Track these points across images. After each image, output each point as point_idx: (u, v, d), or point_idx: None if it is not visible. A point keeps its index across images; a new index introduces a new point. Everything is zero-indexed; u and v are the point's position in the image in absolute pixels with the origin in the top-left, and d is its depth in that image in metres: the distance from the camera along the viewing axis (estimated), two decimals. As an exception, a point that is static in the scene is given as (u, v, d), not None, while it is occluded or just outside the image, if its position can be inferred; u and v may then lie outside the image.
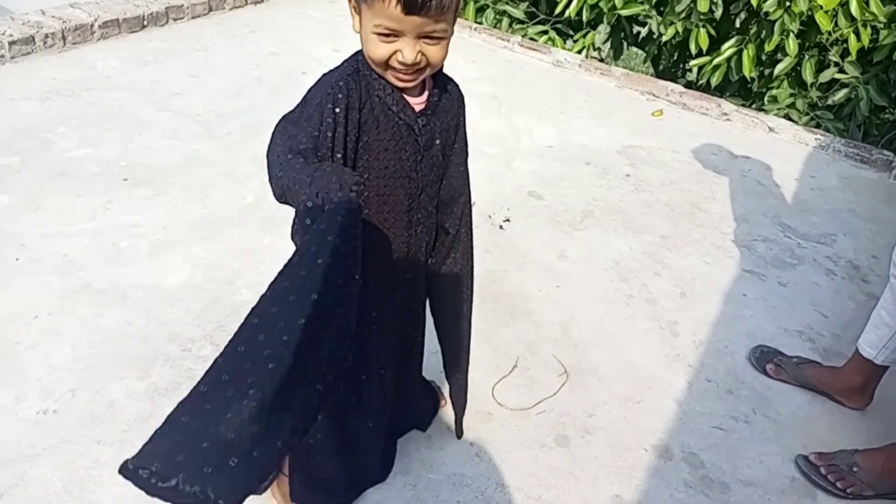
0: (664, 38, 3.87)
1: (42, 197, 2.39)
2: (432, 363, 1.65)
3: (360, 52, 1.13)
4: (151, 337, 1.92)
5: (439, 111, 1.22)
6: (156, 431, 0.86)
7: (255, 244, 2.32)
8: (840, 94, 3.66)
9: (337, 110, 1.08)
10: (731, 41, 3.73)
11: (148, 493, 0.82)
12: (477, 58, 4.07)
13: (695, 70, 3.99)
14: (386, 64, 1.08)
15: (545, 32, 4.35)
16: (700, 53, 3.80)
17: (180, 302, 2.04)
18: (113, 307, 1.99)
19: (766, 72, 3.87)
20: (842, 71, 3.64)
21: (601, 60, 4.35)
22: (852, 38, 3.43)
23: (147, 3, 3.80)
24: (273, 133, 1.11)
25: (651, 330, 2.20)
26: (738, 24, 3.81)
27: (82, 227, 2.28)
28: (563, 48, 4.26)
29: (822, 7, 3.36)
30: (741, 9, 3.73)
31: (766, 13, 3.46)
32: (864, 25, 3.41)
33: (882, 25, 3.43)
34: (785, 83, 3.83)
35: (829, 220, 2.93)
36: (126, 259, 2.18)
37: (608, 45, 4.29)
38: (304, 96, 1.14)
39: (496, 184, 2.86)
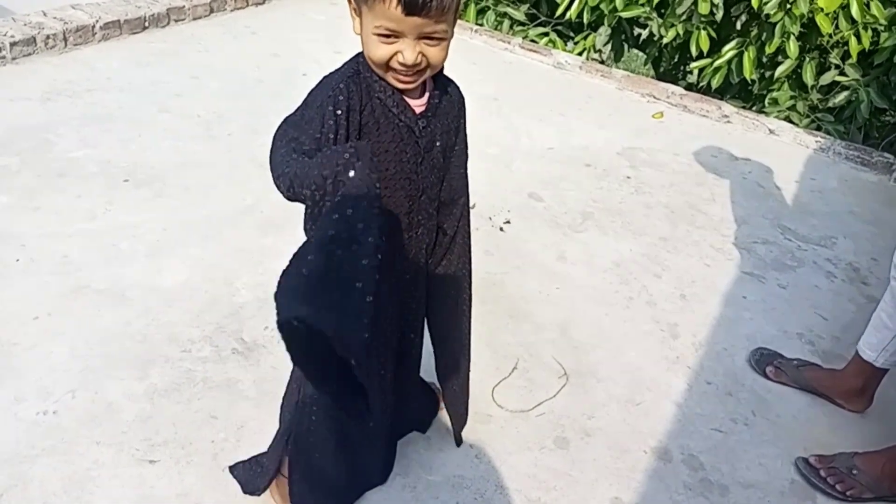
0: (665, 41, 3.87)
1: (42, 197, 2.39)
2: (432, 364, 1.65)
3: (360, 54, 1.13)
4: (150, 338, 1.91)
5: (440, 113, 1.22)
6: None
7: (255, 245, 2.32)
8: (840, 97, 3.66)
9: (338, 112, 1.08)
10: (732, 43, 3.73)
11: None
12: (478, 59, 4.07)
13: (695, 72, 3.99)
14: (386, 65, 1.08)
15: (546, 34, 4.36)
16: (701, 55, 3.81)
17: (179, 303, 2.04)
18: (112, 308, 1.99)
19: (767, 74, 3.87)
20: (842, 73, 3.64)
21: (602, 62, 4.35)
22: (853, 40, 3.43)
23: (148, 4, 3.81)
24: (274, 136, 1.11)
25: (651, 332, 2.20)
26: (738, 27, 3.81)
27: (82, 228, 2.28)
28: (564, 50, 4.26)
29: (822, 9, 3.36)
30: (742, 11, 3.74)
31: (767, 15, 3.46)
32: (865, 28, 3.41)
33: (883, 28, 3.43)
34: (785, 85, 3.83)
35: (829, 222, 2.93)
36: (125, 260, 2.18)
37: (609, 46, 4.29)
38: (305, 99, 1.14)
39: (496, 185, 2.86)
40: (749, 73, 3.67)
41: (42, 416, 1.66)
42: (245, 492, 1.54)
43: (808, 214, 2.97)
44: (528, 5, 4.48)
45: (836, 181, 3.29)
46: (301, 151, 1.05)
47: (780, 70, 3.67)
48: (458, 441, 1.72)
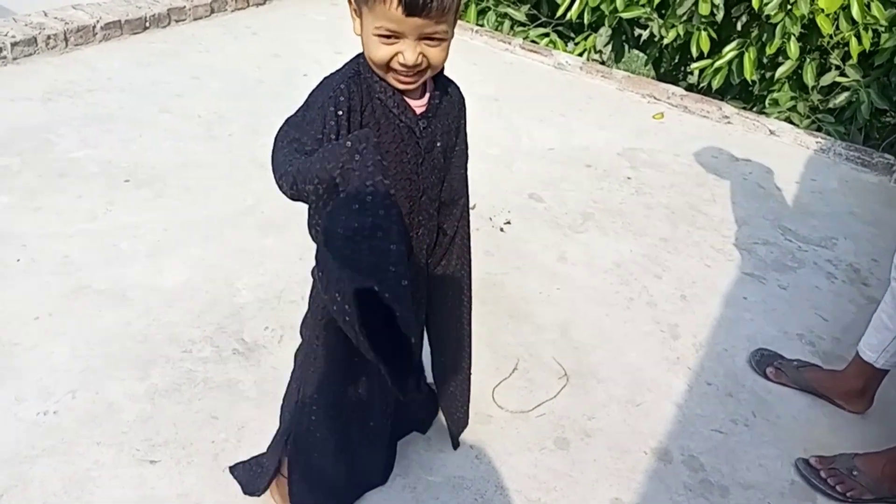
0: (665, 41, 3.87)
1: (42, 197, 2.39)
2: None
3: (360, 55, 1.13)
4: (151, 338, 1.92)
5: (440, 113, 1.22)
6: None
7: (255, 245, 2.32)
8: (841, 98, 3.66)
9: (339, 113, 1.08)
10: (733, 44, 3.73)
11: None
12: (478, 60, 4.07)
13: (696, 73, 3.99)
14: (387, 66, 1.08)
15: (546, 35, 4.36)
16: (701, 56, 3.81)
17: (180, 303, 2.04)
18: (113, 308, 2.00)
19: (768, 75, 3.87)
20: (843, 74, 3.64)
21: (602, 63, 4.35)
22: (853, 41, 3.43)
23: (149, 4, 3.81)
24: (276, 137, 1.11)
25: (651, 333, 2.20)
26: (739, 27, 3.81)
27: (82, 228, 2.28)
28: (565, 50, 4.27)
29: (823, 10, 3.36)
30: (742, 12, 3.74)
31: (768, 16, 3.46)
32: (866, 29, 3.41)
33: (883, 29, 3.43)
34: (786, 86, 3.83)
35: (829, 223, 2.93)
36: (126, 260, 2.18)
37: (609, 47, 4.29)
38: (306, 100, 1.14)
39: (497, 186, 2.86)
40: (749, 73, 3.67)
41: (42, 417, 1.66)
42: (245, 492, 1.54)
43: (809, 215, 2.97)
44: (528, 6, 4.48)
45: (836, 182, 3.29)
46: (303, 152, 1.05)
47: (780, 71, 3.67)
48: (455, 444, 1.72)
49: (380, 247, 0.94)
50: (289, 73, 3.55)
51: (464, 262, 1.42)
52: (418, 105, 1.18)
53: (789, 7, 3.40)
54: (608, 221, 2.74)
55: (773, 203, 3.03)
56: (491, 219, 2.65)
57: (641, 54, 4.63)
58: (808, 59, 3.67)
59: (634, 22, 4.15)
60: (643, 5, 3.83)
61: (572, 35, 4.42)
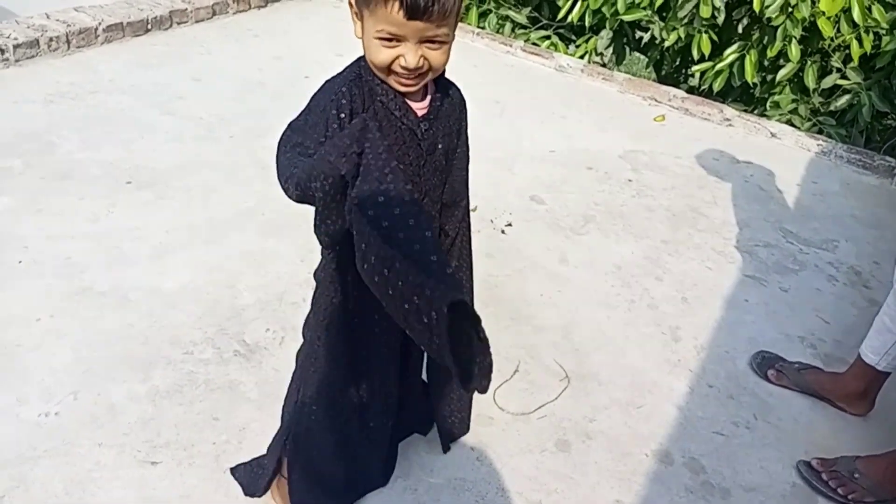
0: (666, 44, 3.87)
1: (44, 199, 2.40)
2: (433, 367, 1.65)
3: (362, 58, 1.13)
4: (153, 340, 1.92)
5: (442, 115, 1.22)
6: None
7: (257, 247, 2.32)
8: (842, 100, 3.66)
9: (342, 115, 1.09)
10: (734, 47, 3.73)
11: None
12: (479, 62, 4.07)
13: (697, 75, 3.99)
14: (388, 69, 1.08)
15: (548, 37, 4.36)
16: (702, 59, 3.81)
17: (182, 305, 2.05)
18: (115, 310, 2.00)
19: (769, 77, 3.87)
20: (844, 77, 3.64)
21: (603, 65, 4.35)
22: (854, 44, 3.43)
23: (151, 6, 3.82)
24: (279, 142, 1.12)
25: (652, 335, 2.20)
26: (740, 30, 3.81)
27: (84, 230, 2.28)
28: (566, 53, 4.27)
29: (824, 13, 3.36)
30: (744, 14, 3.74)
31: (769, 19, 3.46)
32: (867, 31, 3.41)
33: (884, 31, 3.43)
34: (787, 89, 3.83)
35: (830, 225, 2.93)
36: (128, 262, 2.18)
37: (610, 50, 4.29)
38: (308, 103, 1.14)
39: (498, 188, 2.86)
40: (751, 76, 3.67)
41: (44, 418, 1.67)
42: (246, 493, 1.55)
43: (810, 218, 2.97)
44: (529, 8, 4.49)
45: (837, 185, 3.29)
46: (306, 155, 1.05)
47: (781, 73, 3.67)
48: (446, 448, 1.71)
49: (413, 237, 0.93)
50: (290, 74, 3.55)
51: (466, 264, 1.42)
52: (420, 107, 1.18)
53: (790, 10, 3.40)
54: (609, 224, 2.74)
55: (774, 205, 3.03)
56: (492, 221, 2.65)
57: (643, 57, 4.63)
58: (809, 62, 3.67)
59: (635, 24, 4.15)
60: (644, 8, 3.83)
61: (573, 37, 4.42)
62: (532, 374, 1.98)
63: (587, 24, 4.04)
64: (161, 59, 3.53)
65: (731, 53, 3.72)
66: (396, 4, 0.99)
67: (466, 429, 1.74)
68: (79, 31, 3.44)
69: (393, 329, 1.33)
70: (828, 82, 3.67)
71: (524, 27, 4.46)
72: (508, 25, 4.46)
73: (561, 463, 1.74)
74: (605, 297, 2.34)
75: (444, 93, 1.22)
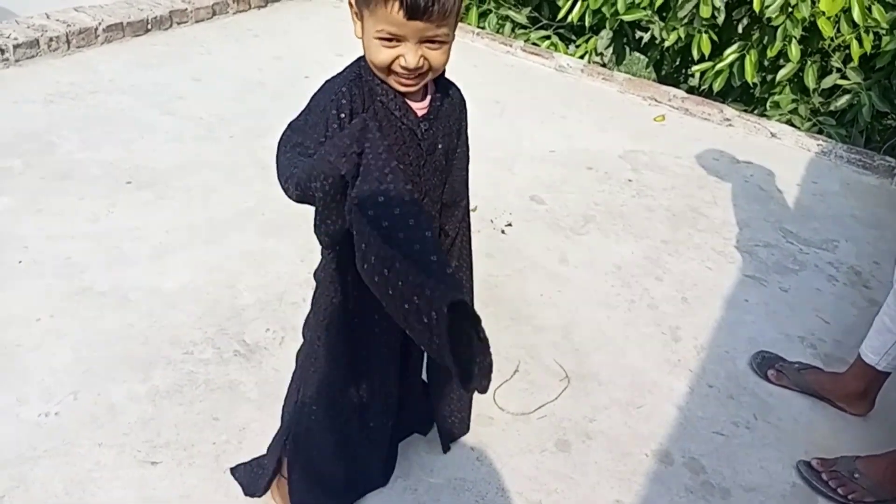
0: (666, 44, 3.87)
1: (45, 199, 2.40)
2: (433, 367, 1.65)
3: (362, 58, 1.13)
4: (153, 340, 1.92)
5: (442, 115, 1.22)
6: None
7: (257, 247, 2.32)
8: (842, 100, 3.66)
9: (342, 116, 1.09)
10: (734, 47, 3.73)
11: None
12: (479, 62, 4.07)
13: (697, 75, 3.99)
14: (388, 69, 1.08)
15: (548, 37, 4.36)
16: (702, 59, 3.81)
17: (182, 305, 2.05)
18: (115, 310, 2.00)
19: (769, 77, 3.87)
20: (844, 77, 3.64)
21: (603, 65, 4.35)
22: (854, 44, 3.43)
23: (151, 6, 3.82)
24: (279, 142, 1.12)
25: (652, 335, 2.20)
26: (740, 30, 3.81)
27: (84, 230, 2.29)
28: (566, 53, 4.27)
29: (824, 13, 3.36)
30: (744, 14, 3.74)
31: (769, 19, 3.46)
32: (867, 31, 3.41)
33: (884, 32, 3.43)
34: (787, 89, 3.83)
35: (830, 225, 2.93)
36: (128, 262, 2.18)
37: (611, 50, 4.29)
38: (308, 103, 1.14)
39: (498, 188, 2.86)
40: (751, 76, 3.67)
41: (44, 418, 1.67)
42: (246, 493, 1.55)
43: (810, 218, 2.97)
44: (529, 8, 4.49)
45: (837, 185, 3.29)
46: (306, 155, 1.06)
47: (781, 73, 3.67)
48: (446, 448, 1.71)
49: (413, 237, 0.93)
50: (290, 74, 3.56)
51: (465, 264, 1.42)
52: (420, 107, 1.18)
53: (790, 10, 3.41)
54: (609, 224, 2.74)
55: (774, 205, 3.03)
56: (492, 221, 2.65)
57: (643, 57, 4.63)
58: (809, 62, 3.67)
59: (635, 24, 4.15)
60: (644, 8, 3.83)
61: (573, 37, 4.42)
62: (532, 374, 1.98)
63: (587, 24, 4.04)
64: (161, 59, 3.53)
65: (731, 53, 3.72)
66: (396, 4, 0.99)
67: (466, 429, 1.74)
68: (79, 31, 3.44)
69: (393, 329, 1.33)
70: (828, 82, 3.67)
71: (524, 27, 4.46)
72: (508, 25, 4.46)
73: (561, 463, 1.74)
74: (605, 297, 2.34)
75: (444, 93, 1.23)
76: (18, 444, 1.60)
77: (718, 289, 2.45)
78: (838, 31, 3.46)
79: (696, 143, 3.48)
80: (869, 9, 3.36)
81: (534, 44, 4.31)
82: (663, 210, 2.88)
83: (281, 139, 1.12)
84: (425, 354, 1.54)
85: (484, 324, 0.92)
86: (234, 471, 1.58)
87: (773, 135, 3.64)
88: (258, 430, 1.69)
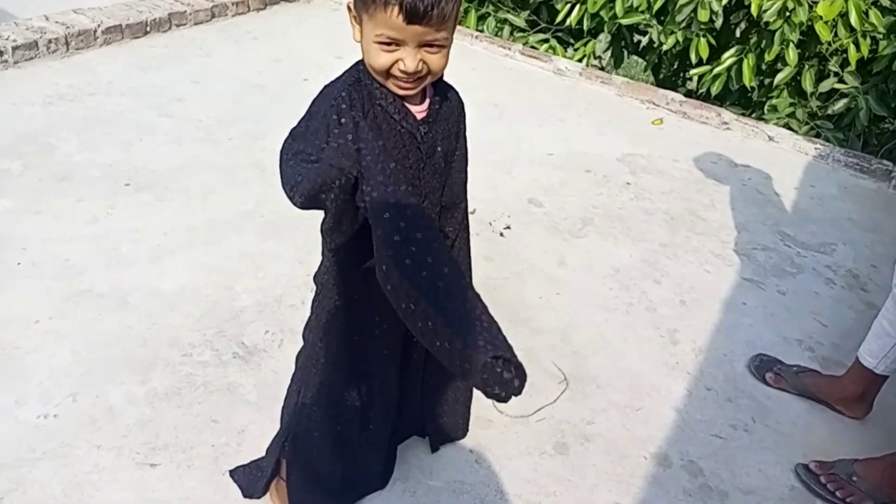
0: (664, 47, 3.88)
1: (43, 201, 2.40)
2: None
3: (360, 62, 1.14)
4: (151, 341, 1.92)
5: (440, 118, 1.23)
6: None
7: (256, 249, 2.32)
8: (840, 104, 3.67)
9: (343, 120, 1.09)
10: (732, 51, 3.74)
11: None
12: (478, 65, 4.08)
13: (695, 79, 4.00)
14: (387, 73, 1.08)
15: (546, 41, 4.37)
16: (700, 62, 3.82)
17: (180, 307, 2.05)
18: (113, 311, 2.00)
19: (766, 81, 3.88)
20: (841, 81, 3.65)
21: (602, 69, 4.36)
22: (852, 48, 3.44)
23: (150, 9, 3.82)
24: (281, 150, 1.13)
25: (650, 338, 2.20)
26: (738, 34, 3.82)
27: (83, 232, 2.28)
28: (564, 56, 4.28)
29: (821, 17, 3.37)
30: (741, 19, 3.75)
31: (767, 23, 3.47)
32: (864, 36, 3.42)
33: (881, 36, 3.45)
34: (785, 93, 3.84)
35: (828, 229, 2.94)
36: (127, 263, 2.18)
37: (609, 53, 4.31)
38: (308, 109, 1.15)
39: (496, 191, 2.87)
40: (748, 80, 3.68)
41: (43, 420, 1.66)
42: (245, 495, 1.55)
43: (808, 221, 2.98)
44: (528, 12, 4.50)
45: (835, 188, 3.30)
46: (308, 162, 1.06)
47: (779, 77, 3.68)
48: (434, 448, 1.71)
49: (429, 249, 1.01)
50: (289, 77, 3.56)
51: (465, 266, 1.43)
52: (419, 111, 1.18)
53: (788, 14, 3.42)
54: (607, 227, 2.75)
55: (771, 209, 3.04)
56: (490, 224, 2.66)
57: (641, 60, 4.64)
58: (806, 66, 3.68)
59: (634, 28, 4.17)
60: (642, 12, 3.84)
61: (572, 41, 4.44)
62: (531, 377, 1.94)
63: (585, 27, 4.05)
64: (160, 61, 3.53)
65: (728, 57, 3.73)
66: (396, 9, 1.00)
67: (462, 433, 1.74)
68: (78, 33, 3.44)
69: (394, 331, 1.34)
70: (825, 86, 3.68)
71: (523, 30, 4.47)
72: (507, 28, 4.47)
73: (559, 465, 1.74)
74: (604, 300, 2.34)
75: (443, 96, 1.23)
76: (17, 445, 1.60)
77: (716, 292, 2.45)
78: (836, 35, 3.47)
79: (694, 147, 3.48)
80: (866, 13, 3.37)
81: (532, 47, 4.32)
82: (661, 213, 2.88)
83: (283, 147, 1.12)
84: (425, 358, 1.55)
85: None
86: (232, 473, 1.58)
87: (770, 138, 3.65)
88: (257, 433, 1.69)
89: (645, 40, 4.16)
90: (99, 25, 3.53)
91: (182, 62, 3.55)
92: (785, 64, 3.61)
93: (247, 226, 2.43)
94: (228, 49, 3.80)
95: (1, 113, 2.88)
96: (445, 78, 1.22)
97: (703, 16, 3.61)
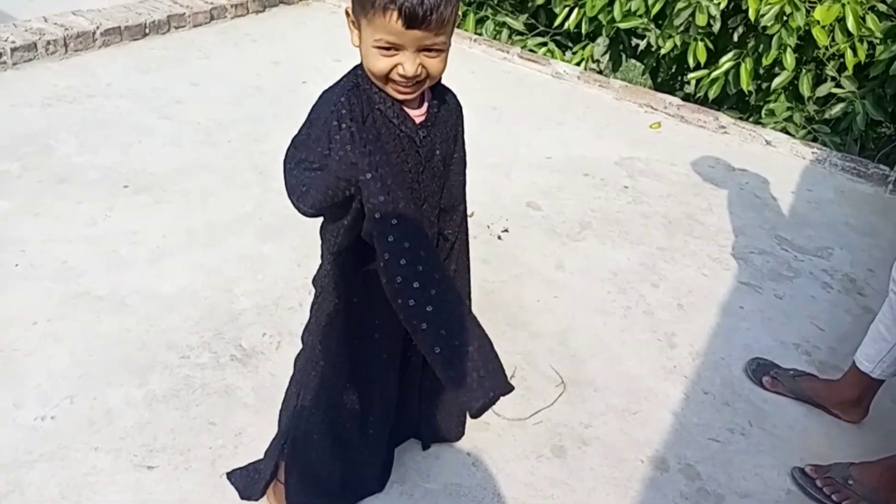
0: (662, 51, 3.90)
1: (42, 203, 2.40)
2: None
3: (358, 67, 1.14)
4: (150, 344, 1.92)
5: (439, 122, 1.23)
6: None
7: (254, 251, 2.33)
8: (837, 109, 3.68)
9: (343, 126, 1.10)
10: (729, 55, 3.75)
11: None
12: (477, 69, 4.09)
13: (693, 83, 4.01)
14: (386, 77, 1.09)
15: (544, 44, 4.38)
16: (698, 66, 3.83)
17: (179, 309, 2.05)
18: (112, 314, 2.00)
19: (764, 85, 3.89)
20: (838, 85, 3.67)
21: (600, 72, 4.37)
22: (849, 53, 3.46)
23: (149, 11, 3.83)
24: (284, 160, 1.14)
25: (648, 341, 2.21)
26: (735, 38, 3.83)
27: (82, 234, 2.29)
28: (563, 60, 4.29)
29: (819, 22, 3.39)
30: (739, 23, 3.76)
31: (764, 27, 3.49)
32: (861, 41, 3.44)
33: (878, 41, 3.46)
34: (782, 97, 3.85)
35: (825, 233, 2.95)
36: (125, 265, 2.18)
37: (607, 57, 4.32)
38: (308, 116, 1.15)
39: (494, 194, 2.87)
40: (746, 84, 3.69)
41: (41, 422, 1.66)
42: (242, 497, 1.55)
43: (805, 225, 2.99)
44: (526, 15, 4.51)
45: (832, 192, 3.31)
46: (311, 170, 1.08)
47: (776, 81, 3.69)
48: (425, 446, 1.72)
49: (430, 262, 1.11)
50: (288, 80, 3.56)
51: (464, 267, 1.43)
52: (417, 115, 1.19)
53: (785, 19, 3.43)
54: (605, 230, 2.75)
55: (769, 213, 3.05)
56: (489, 227, 2.66)
57: (639, 64, 4.65)
58: (803, 71, 3.69)
59: (632, 32, 4.17)
60: (640, 16, 3.85)
61: (570, 44, 4.44)
62: (528, 380, 1.99)
63: (584, 31, 4.06)
64: (159, 63, 3.54)
65: (726, 61, 3.74)
66: (395, 14, 1.00)
67: (457, 436, 1.74)
68: (77, 35, 3.44)
69: (393, 335, 1.34)
70: (822, 91, 3.70)
71: (521, 34, 4.48)
72: (505, 32, 4.48)
73: (557, 469, 1.74)
74: (602, 303, 2.35)
75: (441, 99, 1.24)
76: (15, 448, 1.60)
77: (714, 296, 2.46)
78: (833, 40, 3.49)
79: (692, 151, 3.49)
80: (863, 18, 3.38)
81: (531, 50, 4.33)
82: (659, 217, 2.89)
83: (286, 156, 1.14)
84: (424, 361, 1.55)
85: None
86: (230, 475, 1.59)
87: (768, 142, 3.66)
88: (254, 435, 1.69)
89: (643, 44, 4.17)
90: (98, 27, 3.53)
91: (181, 64, 3.56)
92: (782, 68, 3.62)
93: (245, 228, 2.43)
94: (227, 51, 3.81)
95: (0, 114, 2.88)
96: (444, 81, 1.22)
97: (701, 20, 3.62)
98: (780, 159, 3.56)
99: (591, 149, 3.38)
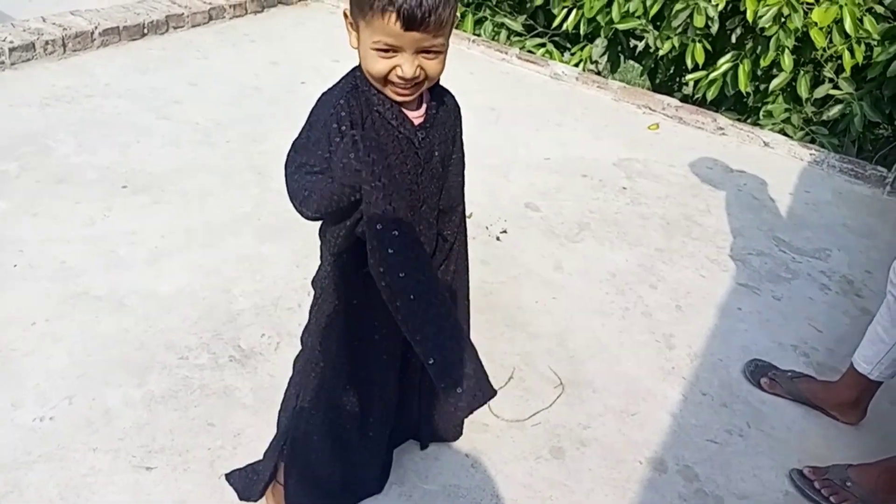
0: (661, 53, 3.90)
1: (41, 203, 2.39)
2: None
3: (357, 68, 1.14)
4: (148, 344, 1.92)
5: (437, 123, 1.23)
6: None
7: (253, 252, 2.33)
8: (834, 110, 3.69)
9: (343, 128, 1.10)
10: (727, 56, 3.76)
11: None
12: (475, 70, 4.09)
13: (691, 84, 4.02)
14: (385, 79, 1.09)
15: (543, 45, 4.38)
16: (696, 68, 3.83)
17: (177, 309, 2.05)
18: (110, 314, 2.00)
19: (762, 87, 3.90)
20: (836, 87, 3.67)
21: (598, 73, 4.38)
22: (846, 54, 3.47)
23: (147, 11, 3.82)
24: (285, 164, 1.14)
25: (646, 342, 2.21)
26: (733, 40, 3.84)
27: (80, 234, 2.28)
28: (561, 61, 4.29)
29: (816, 24, 3.39)
30: (737, 24, 3.77)
31: (762, 29, 3.49)
32: (859, 42, 3.44)
33: (876, 42, 3.47)
34: (780, 98, 3.86)
35: (823, 234, 2.95)
36: (124, 266, 2.18)
37: (605, 58, 4.32)
38: (308, 119, 1.16)
39: (493, 195, 2.87)
40: (744, 85, 3.70)
41: (39, 423, 1.66)
42: (241, 499, 1.55)
43: (803, 227, 2.99)
44: (525, 16, 4.51)
45: (830, 194, 3.31)
46: (312, 174, 1.09)
47: (774, 83, 3.70)
48: (423, 446, 1.72)
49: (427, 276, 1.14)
50: (287, 80, 3.56)
51: (463, 268, 1.44)
52: (416, 116, 1.19)
53: (783, 20, 3.44)
54: (604, 231, 2.76)
55: (767, 214, 3.05)
56: (487, 228, 2.66)
57: (637, 65, 4.66)
58: (801, 72, 3.70)
59: (630, 33, 4.18)
60: (639, 17, 3.85)
61: (568, 45, 4.45)
62: (527, 382, 1.99)
63: (582, 32, 4.06)
64: (157, 63, 3.53)
65: (724, 63, 3.75)
66: (393, 16, 1.00)
67: (455, 436, 1.74)
68: (75, 35, 3.44)
69: (393, 336, 1.34)
70: (820, 92, 3.70)
71: (519, 35, 4.48)
72: (504, 33, 4.48)
73: (555, 470, 1.74)
74: (600, 304, 2.35)
75: (440, 101, 1.24)
76: (13, 448, 1.59)
77: (712, 297, 2.46)
78: (830, 41, 3.49)
79: (690, 152, 3.50)
80: (861, 20, 3.39)
81: (529, 51, 4.34)
82: (657, 218, 2.89)
83: (287, 160, 1.14)
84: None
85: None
86: (228, 476, 1.58)
87: (766, 144, 3.66)
88: (253, 436, 1.69)
89: (641, 45, 4.18)
90: (96, 27, 3.53)
91: (179, 64, 3.56)
92: (780, 70, 3.63)
93: (244, 229, 2.43)
94: (226, 52, 3.81)
95: (-2, 114, 2.88)
96: (442, 82, 1.22)
97: (699, 21, 3.63)
98: (778, 161, 3.57)
99: (589, 150, 3.38)
